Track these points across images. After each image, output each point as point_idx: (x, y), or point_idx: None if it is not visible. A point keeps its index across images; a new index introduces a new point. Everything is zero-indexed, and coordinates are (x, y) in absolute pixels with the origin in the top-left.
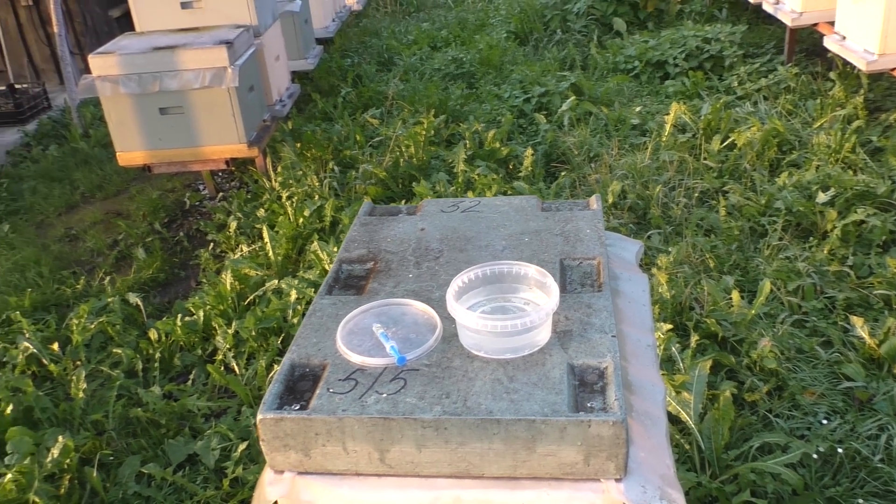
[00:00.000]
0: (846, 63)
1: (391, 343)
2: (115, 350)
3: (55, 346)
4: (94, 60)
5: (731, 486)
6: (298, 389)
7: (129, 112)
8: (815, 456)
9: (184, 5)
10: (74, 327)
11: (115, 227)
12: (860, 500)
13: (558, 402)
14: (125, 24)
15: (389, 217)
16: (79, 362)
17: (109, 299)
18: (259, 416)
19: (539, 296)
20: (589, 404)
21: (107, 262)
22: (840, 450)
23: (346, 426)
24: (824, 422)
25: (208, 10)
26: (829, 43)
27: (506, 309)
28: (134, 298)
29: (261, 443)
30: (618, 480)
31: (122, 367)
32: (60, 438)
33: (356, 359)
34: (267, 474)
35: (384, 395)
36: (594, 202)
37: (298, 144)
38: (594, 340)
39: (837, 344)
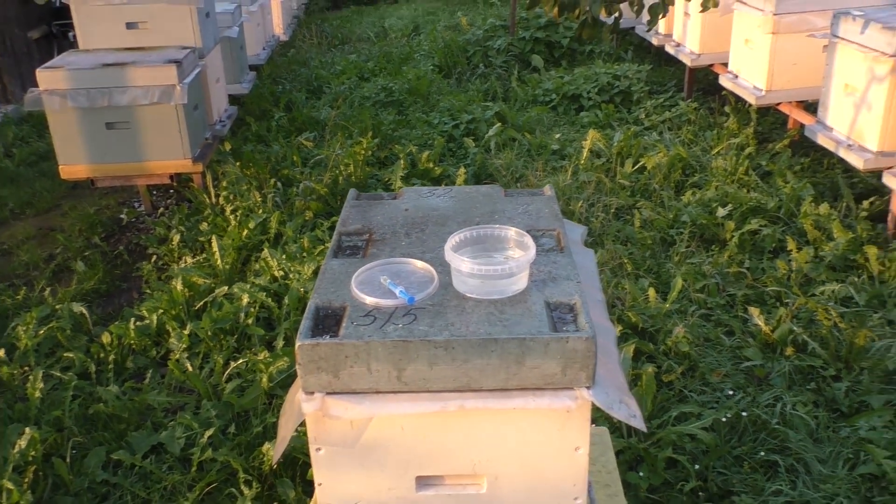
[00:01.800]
0: (738, 98)
1: (400, 288)
2: (65, 354)
3: (1, 352)
4: (41, 74)
5: (655, 448)
6: (324, 325)
7: (75, 126)
8: (724, 420)
9: (129, 25)
10: (22, 334)
11: (49, 241)
12: (762, 453)
13: (542, 326)
14: (44, 45)
15: (375, 201)
16: (27, 367)
17: (57, 307)
18: (298, 343)
19: (518, 253)
20: (565, 328)
21: (44, 275)
22: (744, 414)
23: (372, 349)
24: (730, 393)
25: (153, 30)
26: (724, 81)
27: (491, 262)
28: (79, 307)
29: (297, 367)
30: (588, 388)
31: (74, 370)
32: (27, 430)
33: (371, 301)
34: (300, 395)
35: (400, 325)
36: (548, 190)
37: (238, 163)
38: (563, 285)
39: (738, 332)
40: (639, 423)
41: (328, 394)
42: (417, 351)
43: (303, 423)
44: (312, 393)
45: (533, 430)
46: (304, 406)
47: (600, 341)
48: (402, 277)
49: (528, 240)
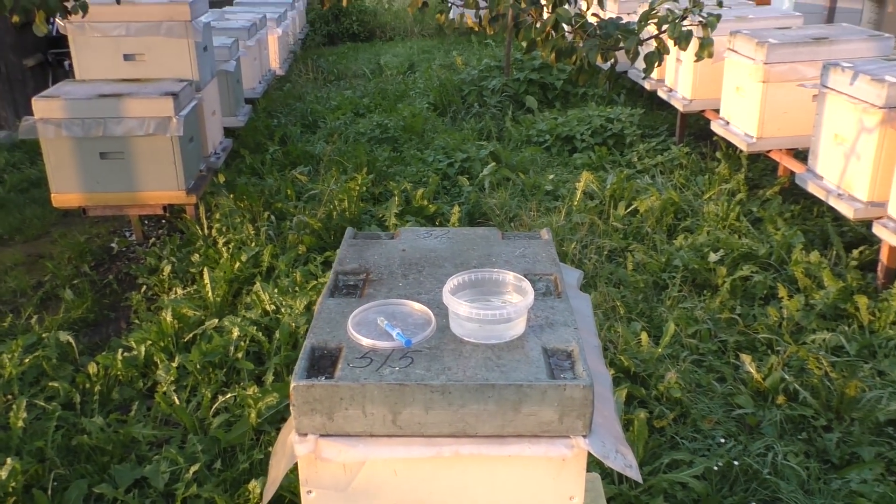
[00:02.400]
0: (729, 145)
1: (397, 330)
2: (50, 384)
3: None
4: (37, 103)
5: (647, 496)
6: (320, 366)
7: (69, 155)
8: (715, 468)
9: (126, 57)
10: (7, 361)
11: (38, 269)
12: (753, 503)
13: (539, 373)
14: (39, 73)
15: (372, 240)
16: (10, 396)
17: (44, 335)
18: (293, 384)
19: (516, 298)
20: (562, 375)
21: (31, 302)
22: (736, 463)
23: (367, 391)
24: (722, 441)
25: (150, 62)
26: (715, 127)
27: (489, 306)
28: (65, 336)
29: (291, 408)
30: (584, 437)
31: (58, 400)
32: (9, 461)
33: (368, 342)
34: (293, 436)
35: (397, 368)
36: (545, 234)
37: (232, 195)
38: (561, 331)
39: (730, 379)
40: (635, 475)
41: (322, 436)
42: (413, 395)
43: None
44: (306, 434)
45: (528, 478)
46: (296, 448)
47: (597, 388)
48: (399, 319)
49: (527, 285)
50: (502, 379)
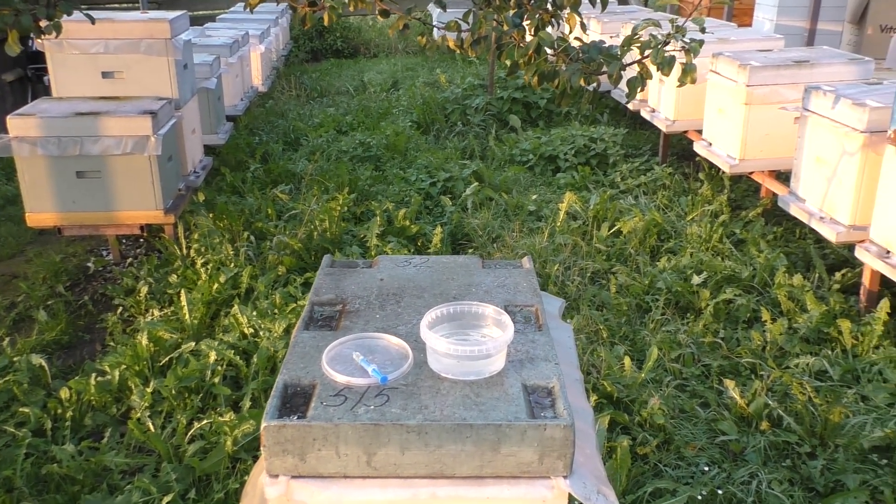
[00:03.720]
0: (712, 166)
1: (373, 366)
2: (21, 409)
3: None
4: (12, 121)
5: None
6: (292, 404)
7: (45, 174)
8: (699, 497)
9: (105, 74)
10: None
11: (11, 288)
12: None
13: (519, 412)
14: (18, 88)
15: (349, 269)
16: None
17: (15, 358)
18: (263, 424)
19: (496, 332)
20: (542, 414)
21: (4, 324)
22: (720, 491)
23: (341, 432)
24: (706, 469)
25: (129, 80)
26: (698, 148)
27: (467, 341)
28: (38, 359)
29: (262, 448)
30: (565, 478)
31: (29, 426)
32: None
33: (342, 379)
34: (263, 477)
35: (372, 406)
36: (526, 262)
37: (211, 215)
38: (541, 367)
39: (713, 404)
40: None
41: (294, 477)
42: (389, 435)
43: None
44: (277, 476)
45: None
46: (267, 490)
47: (578, 425)
48: (375, 353)
49: (506, 318)
50: (481, 418)
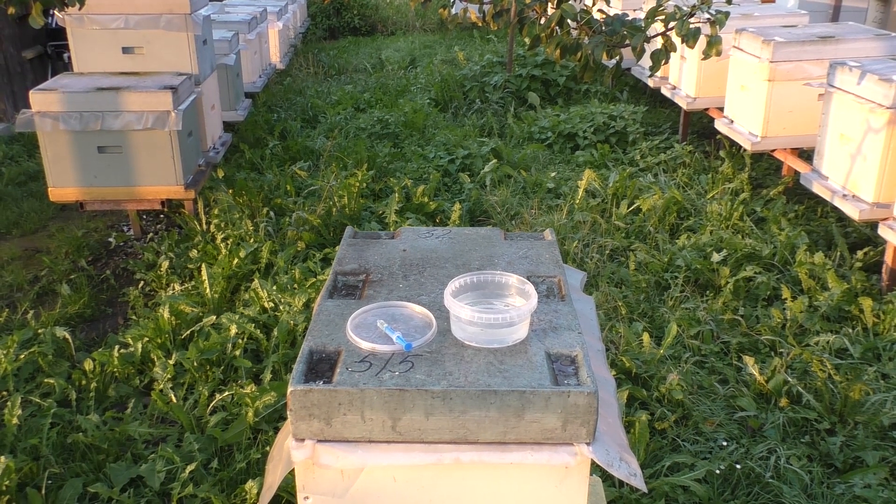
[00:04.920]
0: (733, 143)
1: (397, 334)
2: (46, 380)
3: None
4: (35, 96)
5: (648, 499)
6: (318, 370)
7: (67, 149)
8: (717, 472)
9: (125, 50)
10: (2, 357)
11: (34, 263)
12: None
13: (543, 379)
14: (38, 66)
15: (372, 240)
16: (5, 393)
17: (40, 331)
18: (290, 389)
19: (519, 301)
20: (566, 381)
21: (28, 297)
22: (738, 466)
23: (367, 397)
24: (724, 444)
25: (149, 55)
26: (719, 125)
27: (492, 309)
28: (62, 332)
29: (288, 412)
30: (587, 444)
31: (54, 397)
32: (3, 459)
33: (367, 346)
34: (290, 441)
35: (397, 373)
36: (549, 234)
37: (231, 191)
38: (564, 335)
39: (732, 381)
40: (639, 483)
41: (319, 441)
42: (413, 400)
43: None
44: (303, 440)
45: (530, 487)
46: (293, 454)
47: (601, 395)
48: (399, 322)
49: (530, 288)
50: (505, 385)
